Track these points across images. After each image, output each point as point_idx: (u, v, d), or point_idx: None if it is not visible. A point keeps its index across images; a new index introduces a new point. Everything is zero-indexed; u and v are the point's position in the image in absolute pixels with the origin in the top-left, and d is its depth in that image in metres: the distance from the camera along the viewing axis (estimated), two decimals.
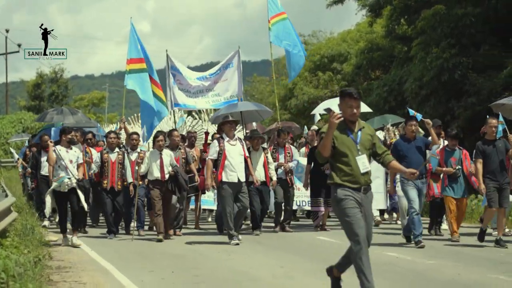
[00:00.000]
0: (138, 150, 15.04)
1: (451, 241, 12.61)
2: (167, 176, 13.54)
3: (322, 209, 14.90)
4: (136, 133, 15.42)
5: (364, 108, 16.70)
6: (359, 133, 7.35)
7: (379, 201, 15.85)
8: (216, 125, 19.39)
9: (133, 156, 14.73)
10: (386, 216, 17.07)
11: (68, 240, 12.78)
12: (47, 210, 12.84)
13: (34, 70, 76.93)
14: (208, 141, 16.10)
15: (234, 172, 12.66)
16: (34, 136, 19.74)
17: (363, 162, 7.27)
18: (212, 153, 12.86)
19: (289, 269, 9.66)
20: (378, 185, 15.22)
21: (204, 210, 17.78)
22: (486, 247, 11.92)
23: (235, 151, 12.81)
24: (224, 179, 12.64)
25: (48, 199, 12.67)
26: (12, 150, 26.85)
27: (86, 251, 12.05)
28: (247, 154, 13.18)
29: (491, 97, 22.09)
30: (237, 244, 12.33)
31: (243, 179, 12.80)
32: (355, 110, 7.26)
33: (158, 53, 30.30)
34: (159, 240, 13.12)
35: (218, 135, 14.38)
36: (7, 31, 54.08)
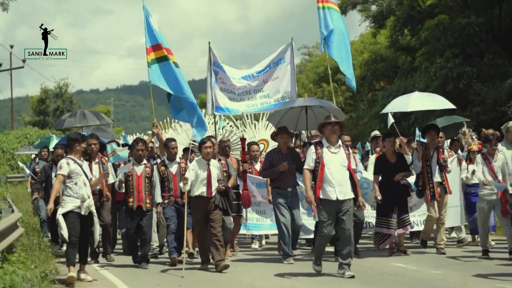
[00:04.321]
0: (177, 160, 12.42)
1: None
2: (214, 192, 11.14)
3: (393, 232, 12.14)
4: (174, 140, 12.70)
5: (443, 104, 14.70)
6: None
7: (454, 217, 13.42)
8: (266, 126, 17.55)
9: (173, 169, 12.14)
10: (454, 234, 14.25)
11: (74, 278, 9.85)
12: (65, 233, 9.99)
13: (38, 86, 77.27)
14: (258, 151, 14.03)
15: (332, 187, 9.98)
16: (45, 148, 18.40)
17: None
18: (309, 162, 10.26)
19: (295, 281, 9.64)
20: (453, 199, 13.14)
21: (253, 235, 14.53)
22: (493, 256, 11.86)
23: (335, 161, 10.09)
24: (322, 195, 10.01)
25: (62, 220, 9.98)
26: (21, 165, 26.55)
27: (93, 265, 12.00)
28: (353, 165, 10.39)
29: (496, 106, 22.15)
30: (320, 271, 10.17)
31: (343, 196, 10.00)
32: None
33: None
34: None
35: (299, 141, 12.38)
36: (11, 46, 54.22)
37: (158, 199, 11.82)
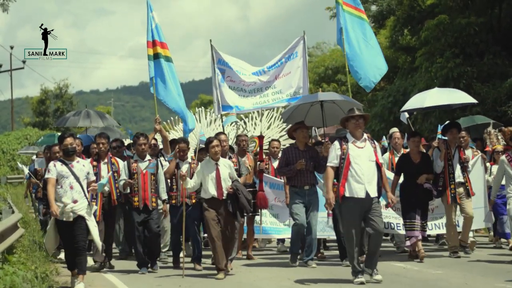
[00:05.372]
0: (189, 160, 11.74)
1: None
2: (225, 193, 10.51)
3: (418, 234, 11.55)
4: (185, 140, 12.06)
5: (462, 99, 13.37)
6: None
7: (478, 218, 12.47)
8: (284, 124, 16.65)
9: (184, 168, 11.11)
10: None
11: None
12: (49, 246, 9.87)
13: (38, 86, 77.20)
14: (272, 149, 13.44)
15: (361, 183, 9.36)
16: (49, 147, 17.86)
17: None
18: (332, 159, 9.60)
19: (296, 282, 9.62)
20: (477, 200, 12.39)
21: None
22: (494, 257, 11.86)
23: (363, 156, 9.48)
24: (347, 193, 9.38)
25: (50, 232, 9.71)
26: (20, 165, 26.43)
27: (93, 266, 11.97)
28: (381, 160, 9.75)
29: (496, 106, 22.13)
30: (363, 283, 9.24)
31: (374, 193, 9.41)
32: None
33: None
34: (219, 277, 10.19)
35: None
36: (11, 47, 54.21)
37: (164, 195, 11.20)
